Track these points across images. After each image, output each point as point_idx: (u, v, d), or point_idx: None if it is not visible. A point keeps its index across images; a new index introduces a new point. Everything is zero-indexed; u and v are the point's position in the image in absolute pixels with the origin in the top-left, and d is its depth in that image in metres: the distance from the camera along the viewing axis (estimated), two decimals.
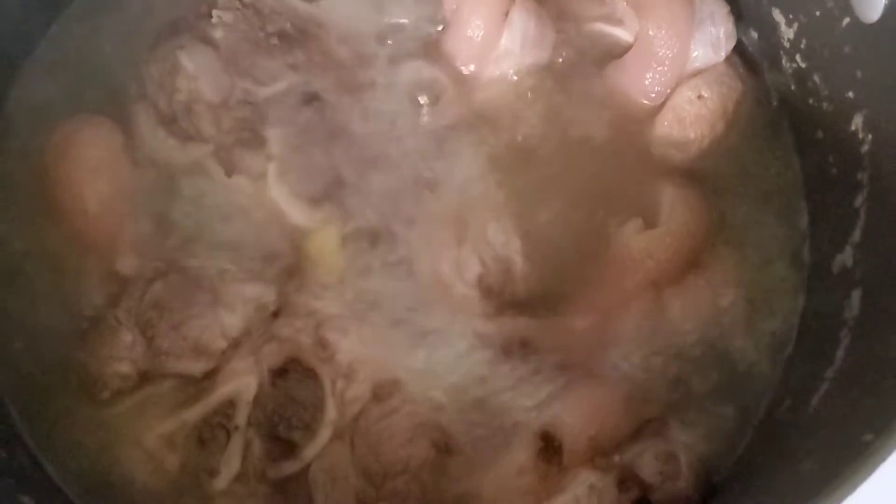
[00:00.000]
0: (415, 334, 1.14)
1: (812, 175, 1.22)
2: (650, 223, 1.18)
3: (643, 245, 1.17)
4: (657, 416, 1.10)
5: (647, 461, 1.04)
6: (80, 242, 1.16)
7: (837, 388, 1.02)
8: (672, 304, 1.16)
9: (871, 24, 1.07)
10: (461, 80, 1.27)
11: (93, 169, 1.17)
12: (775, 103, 1.28)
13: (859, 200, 1.10)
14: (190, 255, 1.16)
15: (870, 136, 1.10)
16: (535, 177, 1.23)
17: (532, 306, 1.16)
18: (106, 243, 1.16)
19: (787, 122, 1.26)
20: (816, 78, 1.20)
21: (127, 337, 1.10)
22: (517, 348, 1.14)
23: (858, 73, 1.11)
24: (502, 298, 1.17)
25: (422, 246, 1.19)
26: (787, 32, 1.23)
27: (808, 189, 1.22)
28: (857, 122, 1.11)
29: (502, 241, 1.18)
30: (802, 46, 1.21)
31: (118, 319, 1.11)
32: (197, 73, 1.21)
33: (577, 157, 1.24)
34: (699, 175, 1.22)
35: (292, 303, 1.15)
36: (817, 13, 1.17)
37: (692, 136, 1.22)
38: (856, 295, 1.07)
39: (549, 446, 1.06)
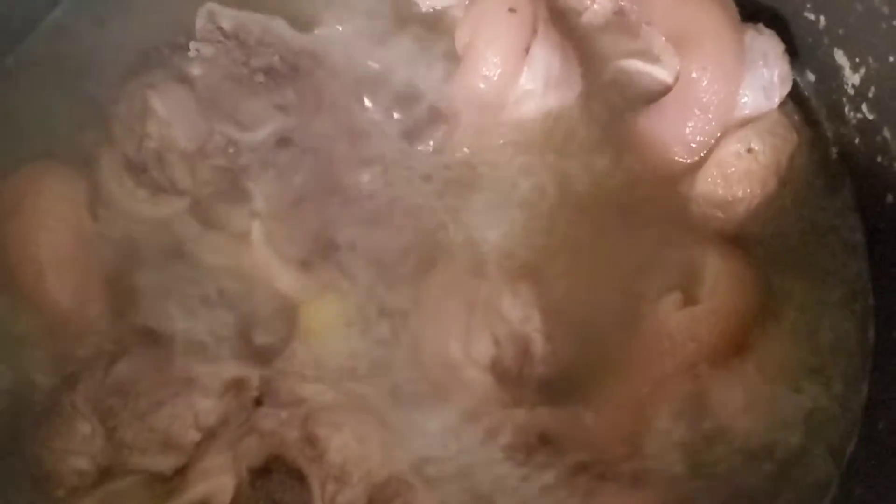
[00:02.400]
0: (418, 429, 1.02)
1: (879, 246, 1.10)
2: (690, 298, 1.07)
3: (683, 324, 1.05)
4: None
5: None
6: (33, 312, 1.07)
7: None
8: (716, 394, 1.05)
9: None
10: (474, 125, 1.15)
11: (49, 227, 1.07)
12: (836, 159, 1.17)
13: None
14: (159, 329, 1.07)
15: None
16: (558, 240, 1.12)
17: (553, 394, 1.05)
18: (62, 314, 1.06)
19: (851, 182, 1.15)
20: (887, 133, 1.08)
21: (85, 427, 1.01)
22: (536, 446, 1.02)
23: None
24: (519, 384, 1.05)
25: (427, 321, 1.08)
26: (852, 78, 1.11)
27: (874, 262, 1.11)
28: None
29: (519, 316, 1.06)
30: (870, 95, 1.10)
31: (75, 406, 1.02)
32: (169, 117, 1.10)
33: (606, 217, 1.13)
34: (747, 241, 1.12)
35: (277, 388, 1.04)
36: (891, 58, 1.05)
37: (739, 194, 1.11)
38: None
39: None
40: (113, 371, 1.02)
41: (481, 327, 1.05)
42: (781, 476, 1.03)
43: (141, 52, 1.15)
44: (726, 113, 1.10)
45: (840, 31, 1.11)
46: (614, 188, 1.13)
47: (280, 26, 1.16)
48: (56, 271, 1.06)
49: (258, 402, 1.03)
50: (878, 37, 1.04)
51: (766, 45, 1.11)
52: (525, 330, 1.06)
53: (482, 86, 1.13)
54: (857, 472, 1.02)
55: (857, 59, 1.10)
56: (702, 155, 1.12)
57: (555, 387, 1.05)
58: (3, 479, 1.02)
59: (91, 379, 1.02)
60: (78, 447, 1.00)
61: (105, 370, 1.02)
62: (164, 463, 1.00)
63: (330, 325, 1.07)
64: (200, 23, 1.14)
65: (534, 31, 1.12)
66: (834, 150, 1.17)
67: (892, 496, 0.93)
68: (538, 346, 1.06)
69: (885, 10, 1.02)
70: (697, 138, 1.11)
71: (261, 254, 1.07)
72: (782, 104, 1.12)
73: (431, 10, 1.20)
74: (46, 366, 1.05)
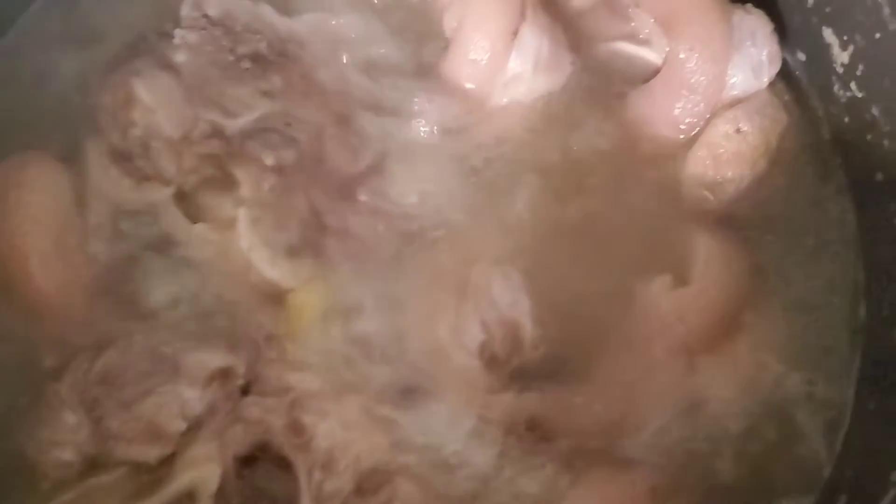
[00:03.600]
0: (407, 415, 1.00)
1: (870, 225, 1.09)
2: (681, 279, 1.06)
3: (673, 306, 1.04)
4: None
5: None
6: (18, 303, 1.05)
7: None
8: (707, 376, 1.04)
9: None
10: (462, 110, 1.14)
11: (34, 216, 1.06)
12: (827, 138, 1.15)
13: None
14: (145, 318, 1.05)
15: None
16: (548, 223, 1.10)
17: (542, 378, 1.04)
18: (48, 304, 1.05)
19: (841, 161, 1.14)
20: (875, 111, 1.07)
21: (70, 418, 1.00)
22: (524, 430, 1.01)
23: None
24: (508, 369, 1.04)
25: (416, 307, 1.06)
26: (841, 56, 1.11)
27: (865, 241, 1.10)
28: None
29: (509, 300, 1.05)
30: (859, 73, 1.09)
31: (60, 397, 1.01)
32: (154, 104, 1.08)
33: (596, 199, 1.12)
34: (737, 221, 1.11)
35: (264, 376, 1.03)
36: (877, 35, 1.04)
37: (729, 175, 1.10)
38: None
39: None
40: (99, 361, 1.01)
41: (471, 313, 1.04)
42: (774, 458, 1.01)
43: (126, 41, 1.13)
44: (715, 94, 1.09)
45: (827, 10, 1.10)
46: (604, 170, 1.12)
47: (267, 12, 1.15)
48: (41, 262, 1.04)
49: (244, 391, 1.02)
50: (865, 14, 1.04)
51: (754, 25, 1.10)
52: (514, 315, 1.05)
53: (471, 70, 1.12)
54: (850, 454, 1.01)
55: (846, 37, 1.09)
56: (692, 136, 1.11)
57: (544, 371, 1.04)
58: None
59: (77, 369, 1.01)
60: (64, 438, 0.98)
61: (91, 360, 1.01)
62: (150, 453, 0.99)
63: (317, 313, 1.05)
64: (186, 10, 1.12)
65: (522, 15, 1.11)
66: (824, 129, 1.16)
67: (885, 478, 0.91)
68: (527, 330, 1.04)
69: None
70: (687, 119, 1.10)
71: (247, 241, 1.05)
72: (772, 84, 1.11)
73: None
74: (32, 356, 1.03)
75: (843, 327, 1.07)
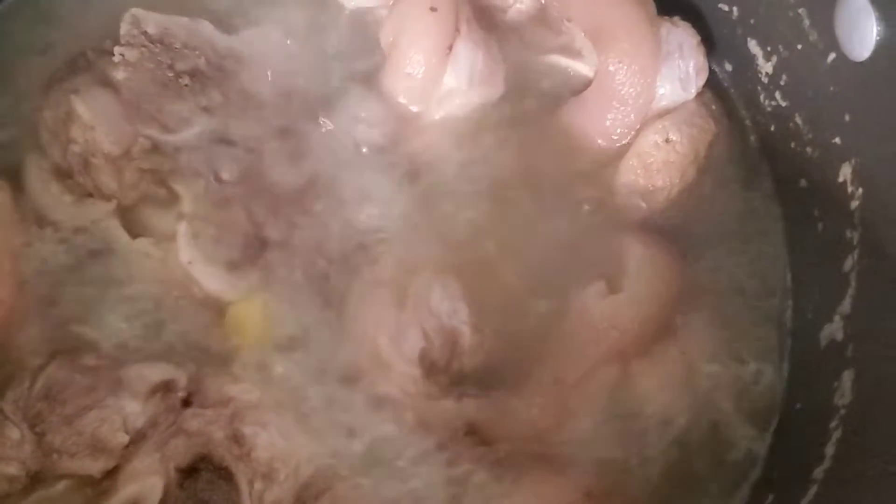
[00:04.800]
0: (346, 424, 1.01)
1: (795, 230, 1.12)
2: (613, 286, 1.07)
3: (606, 312, 1.06)
4: None
5: None
6: None
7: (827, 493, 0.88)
8: (640, 380, 1.05)
9: (861, 62, 0.96)
10: (399, 123, 1.15)
11: None
12: (754, 146, 1.18)
13: (849, 264, 0.99)
14: (86, 333, 1.05)
15: (860, 191, 0.98)
16: (485, 232, 1.11)
17: (481, 384, 1.05)
18: None
19: (768, 168, 1.16)
20: (798, 119, 1.09)
21: (14, 433, 0.99)
22: (463, 436, 1.02)
23: (846, 117, 1.01)
24: (447, 375, 1.05)
25: (357, 317, 1.07)
26: (765, 66, 1.13)
27: (790, 245, 1.12)
28: (846, 172, 1.00)
29: (448, 308, 1.06)
30: (782, 83, 1.11)
31: (3, 413, 1.00)
32: (93, 121, 1.08)
33: (532, 208, 1.13)
34: (668, 228, 1.12)
35: (205, 388, 1.03)
36: (799, 46, 1.06)
37: (659, 184, 1.12)
38: (847, 377, 0.93)
39: None
40: (41, 377, 1.00)
41: (410, 322, 1.04)
42: (706, 458, 1.03)
43: (66, 58, 1.13)
44: (644, 105, 1.10)
45: (752, 21, 1.12)
46: (540, 180, 1.13)
47: (205, 29, 1.15)
48: None
49: (186, 403, 1.02)
50: (786, 25, 1.05)
51: (681, 37, 1.11)
52: (453, 322, 1.05)
53: (407, 84, 1.12)
54: (781, 451, 1.03)
55: (769, 48, 1.11)
56: (623, 145, 1.12)
57: (483, 377, 1.05)
58: None
59: (19, 386, 1.00)
60: (7, 453, 0.97)
61: (33, 376, 1.00)
62: (94, 466, 0.98)
63: (258, 326, 1.05)
64: (125, 28, 1.12)
65: (457, 30, 1.11)
66: (752, 137, 1.17)
67: (808, 475, 0.94)
68: (466, 337, 1.05)
69: None
70: (618, 130, 1.12)
71: (187, 255, 1.05)
72: (700, 94, 1.12)
73: (356, 9, 1.19)
74: None
75: (771, 329, 1.09)
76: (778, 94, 1.11)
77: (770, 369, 1.07)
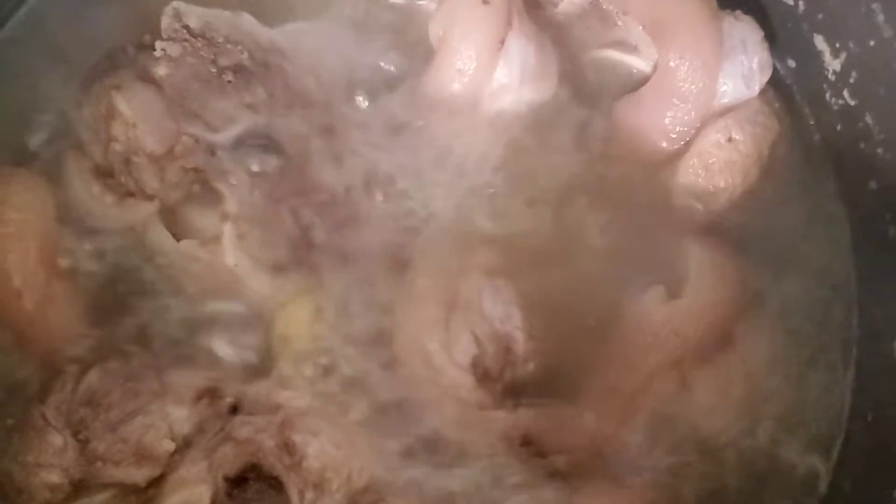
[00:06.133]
0: (399, 433, 0.99)
1: (863, 234, 1.09)
2: (673, 291, 1.05)
3: (666, 318, 1.04)
4: None
5: None
6: (1, 323, 1.03)
7: None
8: (700, 388, 1.03)
9: None
10: (449, 120, 1.12)
11: (15, 235, 1.04)
12: (819, 146, 1.15)
13: None
14: (131, 337, 1.04)
15: None
16: (539, 235, 1.09)
17: (536, 393, 1.03)
18: (31, 324, 1.03)
19: (833, 169, 1.13)
20: (869, 119, 1.07)
21: (56, 440, 0.98)
22: (519, 447, 1.00)
23: None
24: (501, 383, 1.03)
25: (406, 321, 1.05)
26: (833, 63, 1.10)
27: (857, 250, 1.09)
28: None
29: (500, 314, 1.04)
30: (852, 81, 1.08)
31: (46, 418, 0.99)
32: (135, 118, 1.06)
33: (587, 210, 1.10)
34: (729, 231, 1.10)
35: (253, 395, 1.02)
36: (871, 42, 1.04)
37: (721, 185, 1.09)
38: None
39: None
40: (84, 382, 0.99)
41: (461, 327, 1.02)
42: (769, 471, 1.01)
43: (106, 53, 1.11)
44: (706, 102, 1.08)
45: (819, 16, 1.09)
46: (594, 181, 1.11)
47: (248, 22, 1.12)
48: (24, 281, 1.02)
49: (234, 410, 1.01)
50: (858, 20, 1.03)
51: (744, 33, 1.09)
52: (506, 329, 1.03)
53: (457, 80, 1.10)
54: (847, 466, 1.00)
55: (838, 45, 1.08)
56: (682, 145, 1.09)
57: (538, 385, 1.03)
58: None
59: (62, 391, 0.99)
60: (50, 460, 0.96)
61: (76, 381, 0.99)
62: (139, 474, 0.98)
63: (306, 329, 1.04)
64: (166, 21, 1.09)
65: (509, 24, 1.09)
66: (816, 137, 1.15)
67: (880, 491, 0.91)
68: (520, 344, 1.03)
69: None
70: (677, 128, 1.09)
71: (233, 257, 1.04)
72: (763, 92, 1.10)
73: (403, 3, 1.17)
74: (16, 377, 1.02)
75: (835, 339, 1.06)
76: (846, 92, 1.09)
77: (835, 380, 1.05)
